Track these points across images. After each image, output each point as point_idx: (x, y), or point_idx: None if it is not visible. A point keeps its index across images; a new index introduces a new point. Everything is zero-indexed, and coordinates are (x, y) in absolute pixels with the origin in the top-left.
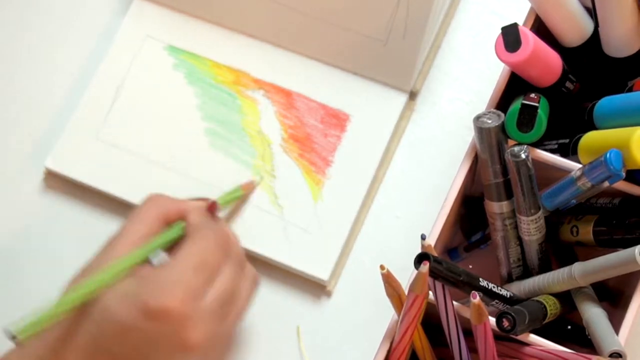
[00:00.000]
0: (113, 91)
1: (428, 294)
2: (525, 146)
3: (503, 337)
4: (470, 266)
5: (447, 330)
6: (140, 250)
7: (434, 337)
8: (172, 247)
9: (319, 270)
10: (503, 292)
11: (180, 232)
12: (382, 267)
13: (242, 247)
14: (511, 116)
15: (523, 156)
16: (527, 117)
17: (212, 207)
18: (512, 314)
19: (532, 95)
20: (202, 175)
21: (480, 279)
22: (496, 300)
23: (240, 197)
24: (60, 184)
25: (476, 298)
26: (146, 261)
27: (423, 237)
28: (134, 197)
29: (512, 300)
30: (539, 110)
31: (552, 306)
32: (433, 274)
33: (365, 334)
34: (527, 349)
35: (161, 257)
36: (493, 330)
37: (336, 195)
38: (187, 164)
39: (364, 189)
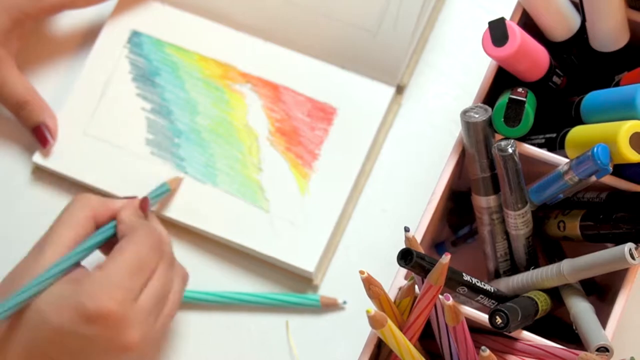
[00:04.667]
0: (100, 86)
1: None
2: (512, 140)
3: (492, 332)
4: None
5: (435, 324)
6: (72, 253)
7: (423, 329)
8: (104, 246)
9: (305, 262)
10: (487, 287)
11: (112, 232)
12: (361, 272)
13: (171, 244)
14: (498, 110)
15: (510, 150)
16: (514, 112)
17: (143, 205)
18: (505, 310)
19: (520, 89)
20: (189, 169)
21: (464, 274)
22: (481, 296)
23: (168, 192)
24: (49, 179)
25: (449, 300)
26: (79, 265)
27: (407, 230)
28: (122, 190)
29: (496, 296)
30: (526, 105)
31: (544, 302)
32: (416, 269)
33: (353, 327)
34: (516, 344)
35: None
36: (484, 325)
37: (323, 188)
38: (174, 158)
39: (351, 182)
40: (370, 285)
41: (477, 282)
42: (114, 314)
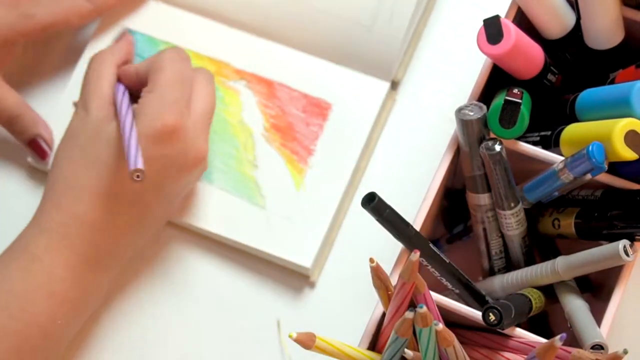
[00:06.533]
0: None
1: (416, 283)
2: (498, 140)
3: (484, 328)
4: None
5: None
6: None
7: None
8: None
9: (302, 258)
10: (443, 256)
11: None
12: (371, 260)
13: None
14: (494, 112)
15: (497, 149)
16: (509, 114)
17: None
18: (499, 307)
19: (515, 90)
20: None
21: (431, 245)
22: (431, 267)
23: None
24: (43, 180)
25: (417, 253)
26: None
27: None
28: None
29: (448, 267)
30: (521, 107)
31: (537, 300)
32: (380, 217)
33: (348, 326)
34: (510, 342)
35: None
36: (477, 322)
37: (318, 183)
38: None
39: (346, 176)
40: (378, 275)
41: (436, 250)
42: (178, 126)
